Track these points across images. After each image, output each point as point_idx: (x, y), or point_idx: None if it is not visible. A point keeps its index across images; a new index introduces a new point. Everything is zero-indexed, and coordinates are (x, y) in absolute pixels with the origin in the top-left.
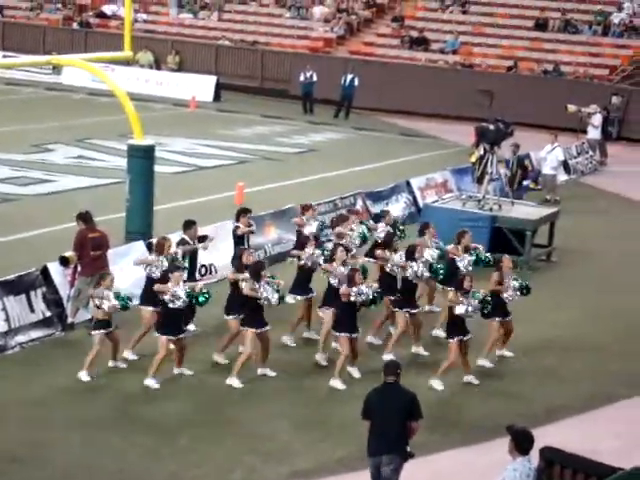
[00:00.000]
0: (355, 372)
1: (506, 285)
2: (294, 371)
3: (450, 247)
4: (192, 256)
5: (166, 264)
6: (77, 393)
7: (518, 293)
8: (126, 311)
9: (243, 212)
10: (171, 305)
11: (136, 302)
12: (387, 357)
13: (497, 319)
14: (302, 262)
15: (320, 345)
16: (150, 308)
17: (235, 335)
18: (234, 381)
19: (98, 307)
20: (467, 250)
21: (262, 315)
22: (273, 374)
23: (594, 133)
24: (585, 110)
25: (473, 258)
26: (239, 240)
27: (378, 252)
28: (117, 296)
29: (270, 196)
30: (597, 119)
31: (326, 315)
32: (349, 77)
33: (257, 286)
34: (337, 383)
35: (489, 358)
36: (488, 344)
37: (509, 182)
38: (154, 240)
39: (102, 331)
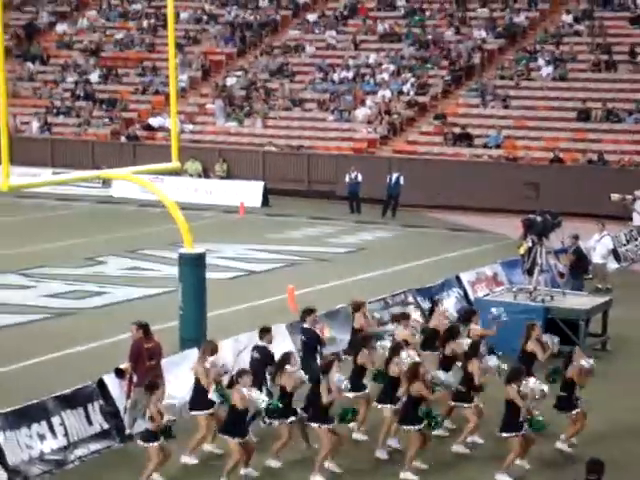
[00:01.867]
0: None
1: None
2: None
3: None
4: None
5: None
6: None
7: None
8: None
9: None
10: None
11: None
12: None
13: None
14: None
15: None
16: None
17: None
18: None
19: (151, 419)
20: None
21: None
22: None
23: (638, 219)
24: (629, 197)
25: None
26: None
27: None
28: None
29: (321, 297)
30: (638, 204)
31: (386, 411)
32: (394, 176)
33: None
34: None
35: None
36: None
37: (570, 272)
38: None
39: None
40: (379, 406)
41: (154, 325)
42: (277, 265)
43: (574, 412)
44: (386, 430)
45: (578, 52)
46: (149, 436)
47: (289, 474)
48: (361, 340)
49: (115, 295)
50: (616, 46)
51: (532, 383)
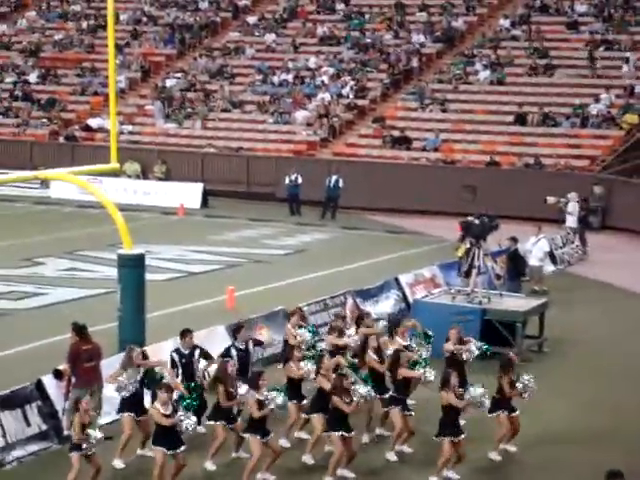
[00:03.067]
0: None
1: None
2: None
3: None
4: (188, 365)
5: (138, 377)
6: None
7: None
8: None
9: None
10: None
11: None
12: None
13: (503, 413)
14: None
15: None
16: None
17: (223, 442)
18: None
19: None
20: (462, 342)
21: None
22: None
23: (570, 221)
24: (563, 200)
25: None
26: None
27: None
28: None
29: (260, 298)
30: (571, 206)
31: (316, 420)
32: (334, 178)
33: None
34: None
35: (498, 451)
36: (497, 438)
37: (506, 274)
38: (146, 348)
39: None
40: (310, 416)
41: (93, 327)
42: (216, 267)
43: (495, 414)
44: (315, 439)
45: (515, 56)
46: (72, 446)
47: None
48: (287, 353)
49: (53, 296)
50: (553, 51)
51: (473, 391)
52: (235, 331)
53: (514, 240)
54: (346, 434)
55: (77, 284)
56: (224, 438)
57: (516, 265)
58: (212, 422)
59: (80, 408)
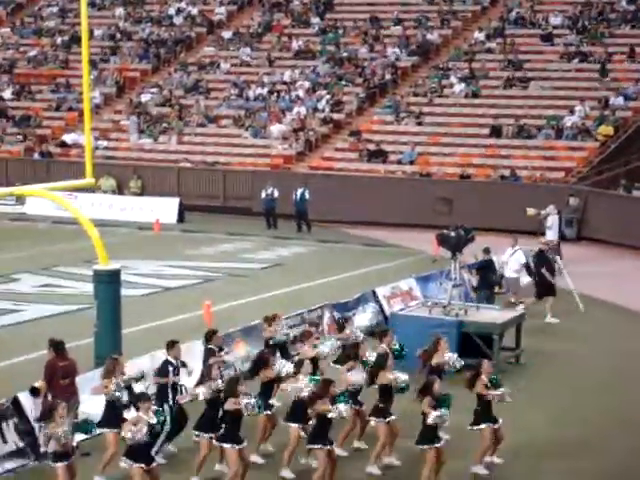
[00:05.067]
0: None
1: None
2: None
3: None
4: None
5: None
6: None
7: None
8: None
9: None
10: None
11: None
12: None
13: (488, 425)
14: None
15: (285, 461)
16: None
17: (208, 454)
18: None
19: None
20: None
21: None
22: None
23: (550, 234)
24: (543, 212)
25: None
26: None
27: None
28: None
29: (238, 313)
30: (550, 220)
31: (293, 430)
32: (299, 191)
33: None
34: None
35: (483, 465)
36: (480, 451)
37: (478, 284)
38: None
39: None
40: (287, 424)
41: (69, 343)
42: (193, 281)
43: (477, 428)
44: (291, 450)
45: (490, 69)
46: (55, 456)
47: None
48: (261, 357)
49: (29, 312)
50: (527, 63)
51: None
52: (208, 337)
53: (486, 251)
54: (330, 447)
55: (53, 300)
56: (208, 450)
57: (486, 275)
58: (197, 433)
59: (56, 416)
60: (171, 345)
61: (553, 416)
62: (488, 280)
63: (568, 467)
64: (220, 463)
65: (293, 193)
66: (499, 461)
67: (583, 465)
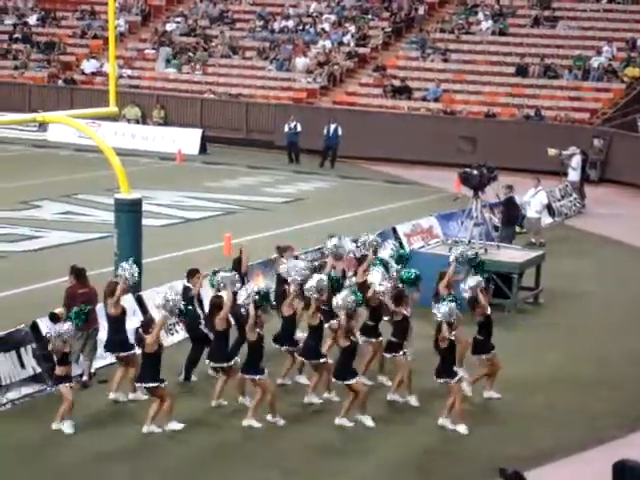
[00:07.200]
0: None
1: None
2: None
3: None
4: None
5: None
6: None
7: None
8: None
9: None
10: None
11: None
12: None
13: (483, 356)
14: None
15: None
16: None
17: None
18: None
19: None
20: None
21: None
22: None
23: (573, 175)
24: (565, 153)
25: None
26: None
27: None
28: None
29: (258, 246)
30: (575, 161)
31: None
32: (332, 127)
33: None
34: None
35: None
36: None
37: (500, 221)
38: (142, 293)
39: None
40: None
41: (89, 271)
42: (213, 213)
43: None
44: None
45: (518, 7)
46: (57, 379)
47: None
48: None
49: (49, 239)
50: (556, 2)
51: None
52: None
53: (509, 188)
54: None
55: (74, 228)
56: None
57: (509, 212)
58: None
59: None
60: (192, 274)
61: (571, 354)
62: (511, 217)
63: (575, 407)
64: (243, 397)
65: (325, 128)
66: (497, 396)
67: (591, 406)
